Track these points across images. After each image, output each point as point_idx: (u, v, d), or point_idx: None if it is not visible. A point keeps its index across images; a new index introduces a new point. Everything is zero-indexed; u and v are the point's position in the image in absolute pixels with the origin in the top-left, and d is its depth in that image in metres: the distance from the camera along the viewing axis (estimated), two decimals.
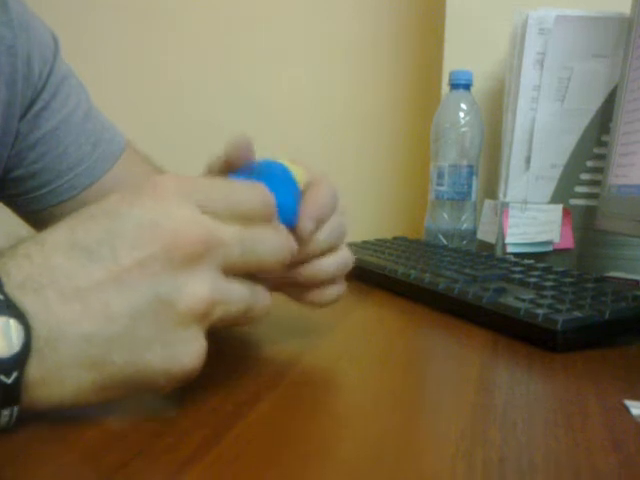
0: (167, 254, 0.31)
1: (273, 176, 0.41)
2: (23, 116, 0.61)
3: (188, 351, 0.32)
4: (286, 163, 0.44)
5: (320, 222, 0.43)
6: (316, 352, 0.47)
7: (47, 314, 0.30)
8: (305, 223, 0.41)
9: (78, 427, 0.32)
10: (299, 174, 0.44)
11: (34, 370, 0.29)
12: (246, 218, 0.35)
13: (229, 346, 0.47)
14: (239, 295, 0.35)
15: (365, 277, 0.73)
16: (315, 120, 1.25)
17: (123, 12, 1.28)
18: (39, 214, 0.66)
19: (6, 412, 0.29)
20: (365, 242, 0.89)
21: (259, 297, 0.36)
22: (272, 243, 0.36)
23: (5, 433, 0.30)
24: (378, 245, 0.86)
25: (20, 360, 0.29)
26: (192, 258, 0.32)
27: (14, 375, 0.29)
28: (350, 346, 0.50)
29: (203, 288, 0.32)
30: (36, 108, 0.62)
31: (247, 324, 0.37)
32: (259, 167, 0.42)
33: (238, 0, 1.25)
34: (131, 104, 1.25)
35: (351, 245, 0.85)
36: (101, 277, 0.31)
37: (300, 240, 0.41)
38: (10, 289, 0.29)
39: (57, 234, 0.32)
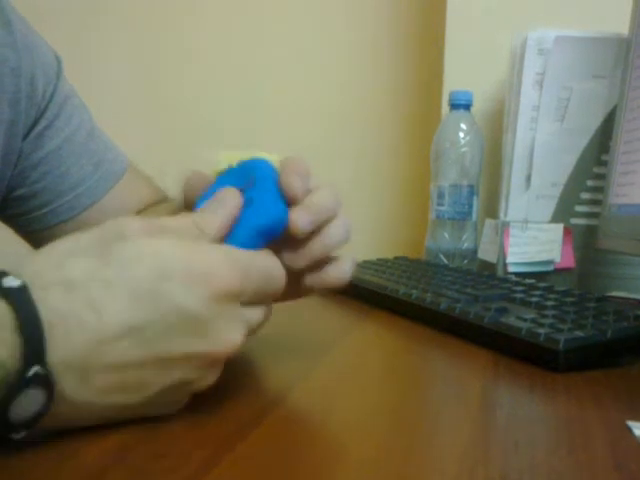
0: (210, 357, 0.34)
1: (259, 177, 0.43)
2: (26, 135, 0.62)
3: (181, 404, 0.36)
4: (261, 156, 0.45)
5: (321, 221, 0.44)
6: (316, 372, 0.47)
7: (85, 387, 0.31)
8: (302, 221, 0.42)
9: (78, 447, 0.32)
10: (274, 160, 0.45)
11: (48, 418, 0.30)
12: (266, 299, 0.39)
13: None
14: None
15: (366, 297, 0.73)
16: (313, 141, 1.25)
17: (122, 18, 1.29)
18: (40, 233, 0.66)
19: None
20: (366, 262, 0.89)
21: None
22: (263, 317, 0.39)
23: (4, 453, 0.30)
24: (379, 265, 0.86)
25: (34, 423, 0.30)
26: (223, 360, 0.36)
27: (23, 433, 0.30)
28: (351, 366, 0.50)
29: (215, 377, 0.36)
30: (39, 127, 0.62)
31: None
32: (244, 166, 0.44)
33: (240, 7, 1.26)
34: (132, 108, 1.25)
35: None
36: (147, 357, 0.32)
37: (297, 234, 0.42)
38: (55, 363, 0.29)
39: (116, 308, 0.31)
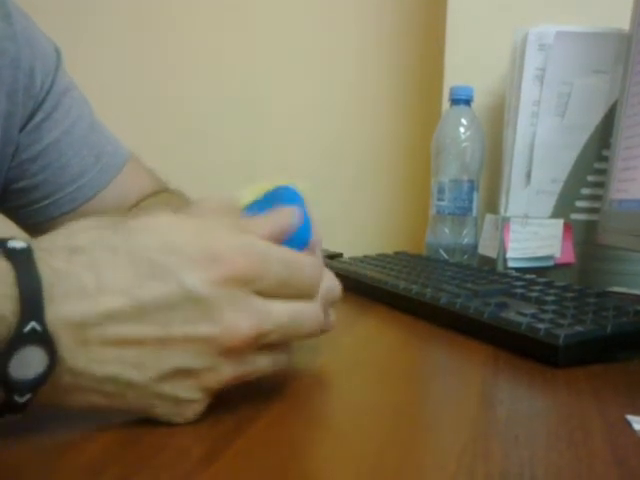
0: (215, 344, 0.32)
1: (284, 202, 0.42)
2: (23, 127, 0.62)
3: (193, 409, 0.34)
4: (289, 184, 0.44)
5: None
6: (316, 367, 0.47)
7: (82, 351, 0.30)
8: None
9: (79, 441, 0.32)
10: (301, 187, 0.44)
11: (48, 386, 0.30)
12: (297, 293, 0.36)
13: None
14: (263, 367, 0.36)
15: (366, 292, 0.73)
16: (315, 136, 1.25)
17: (122, 20, 1.29)
18: (42, 225, 0.66)
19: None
20: (366, 257, 0.89)
21: (279, 363, 0.37)
22: (310, 323, 0.37)
23: (5, 447, 0.30)
24: (379, 260, 0.86)
25: (36, 385, 0.30)
26: (236, 352, 0.33)
27: (27, 397, 0.30)
28: (351, 361, 0.50)
29: (231, 374, 0.34)
30: (37, 119, 0.62)
31: None
32: (271, 196, 0.43)
33: (244, 7, 1.26)
34: (131, 114, 1.25)
35: (352, 260, 0.86)
36: (147, 335, 0.31)
37: None
38: (52, 321, 0.29)
39: (117, 275, 0.31)
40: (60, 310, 0.29)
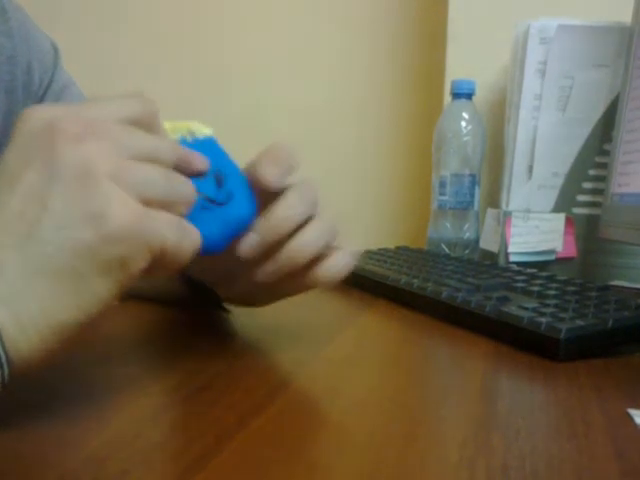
0: (51, 137, 0.32)
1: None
2: None
3: (110, 204, 0.31)
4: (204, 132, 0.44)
5: (283, 234, 0.42)
6: (318, 362, 0.47)
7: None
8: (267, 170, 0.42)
9: (80, 435, 0.32)
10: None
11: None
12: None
13: (231, 356, 0.47)
14: (151, 172, 0.34)
15: (368, 286, 0.73)
16: (315, 131, 1.25)
17: (123, 12, 1.28)
18: None
19: None
20: (368, 251, 0.89)
21: (182, 191, 0.35)
22: (163, 144, 0.36)
23: (7, 440, 0.30)
24: (381, 255, 0.86)
25: None
26: (79, 137, 0.32)
27: None
28: (352, 355, 0.50)
29: (102, 146, 0.32)
30: None
31: (178, 259, 0.35)
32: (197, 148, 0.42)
33: (240, 9, 1.26)
34: None
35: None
36: (3, 199, 0.31)
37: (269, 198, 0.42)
38: None
39: None
40: None
